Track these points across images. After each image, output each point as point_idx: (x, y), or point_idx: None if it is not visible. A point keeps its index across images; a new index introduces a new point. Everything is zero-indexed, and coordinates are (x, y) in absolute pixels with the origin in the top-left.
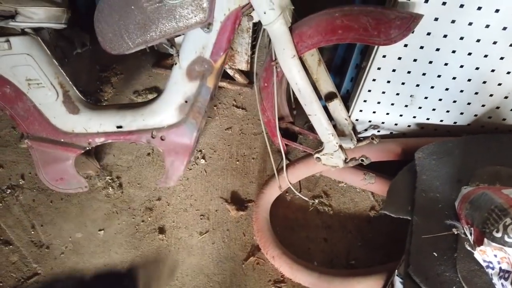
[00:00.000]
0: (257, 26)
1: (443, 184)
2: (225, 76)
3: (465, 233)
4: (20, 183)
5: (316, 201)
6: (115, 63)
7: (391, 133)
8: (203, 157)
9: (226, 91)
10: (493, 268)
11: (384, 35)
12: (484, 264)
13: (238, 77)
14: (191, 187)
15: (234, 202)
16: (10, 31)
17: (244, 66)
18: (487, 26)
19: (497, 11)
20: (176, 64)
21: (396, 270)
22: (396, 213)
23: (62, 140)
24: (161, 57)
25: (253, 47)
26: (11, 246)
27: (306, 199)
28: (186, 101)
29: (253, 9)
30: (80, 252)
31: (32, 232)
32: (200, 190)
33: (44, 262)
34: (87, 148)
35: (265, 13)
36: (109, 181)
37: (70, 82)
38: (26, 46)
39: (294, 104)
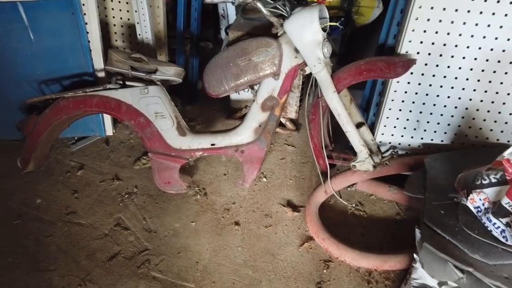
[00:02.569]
0: (305, 85)
1: (446, 175)
2: (278, 124)
3: (461, 199)
4: (134, 190)
5: (354, 205)
6: (198, 116)
7: (406, 152)
8: (265, 177)
9: (279, 134)
10: (480, 211)
11: (393, 72)
12: (475, 211)
13: (288, 124)
14: (257, 196)
15: (290, 206)
16: (148, 82)
17: (293, 115)
18: (460, 68)
19: (464, 57)
20: (254, 101)
21: (415, 227)
22: (413, 193)
23: (173, 154)
24: (231, 112)
25: (300, 100)
26: (128, 231)
27: (346, 202)
28: (260, 125)
29: (306, 65)
30: (178, 236)
31: (144, 222)
32: (263, 198)
33: (153, 242)
34: (189, 159)
35: (314, 66)
36: (197, 190)
37: (181, 116)
38: (158, 92)
39: (332, 138)
